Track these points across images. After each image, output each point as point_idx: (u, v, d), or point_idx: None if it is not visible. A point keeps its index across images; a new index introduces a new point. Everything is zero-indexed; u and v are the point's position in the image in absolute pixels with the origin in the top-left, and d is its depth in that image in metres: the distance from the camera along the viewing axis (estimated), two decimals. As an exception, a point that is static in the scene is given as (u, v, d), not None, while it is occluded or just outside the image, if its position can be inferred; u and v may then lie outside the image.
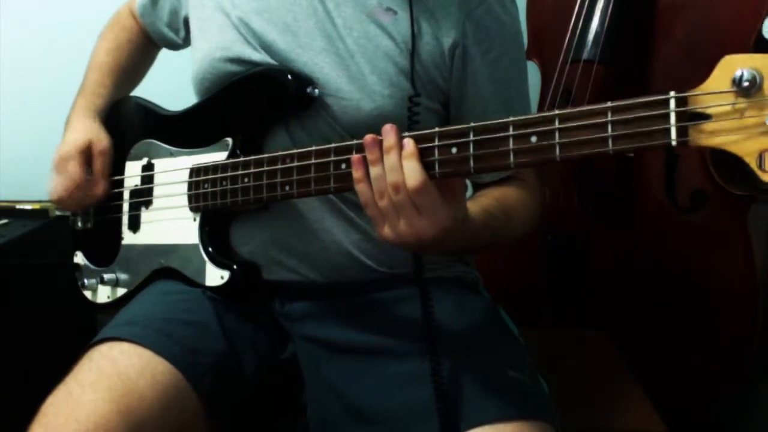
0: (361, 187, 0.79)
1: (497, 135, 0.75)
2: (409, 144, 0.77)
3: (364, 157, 0.79)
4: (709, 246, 1.39)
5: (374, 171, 0.78)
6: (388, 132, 0.77)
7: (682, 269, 1.41)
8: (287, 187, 0.91)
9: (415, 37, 0.96)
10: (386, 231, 0.79)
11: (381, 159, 0.78)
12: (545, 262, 1.57)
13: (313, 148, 0.88)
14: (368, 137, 0.78)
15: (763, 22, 1.31)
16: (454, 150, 0.77)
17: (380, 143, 0.78)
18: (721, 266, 1.37)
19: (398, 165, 0.77)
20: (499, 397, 0.89)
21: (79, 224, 1.22)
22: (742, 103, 0.63)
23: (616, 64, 1.48)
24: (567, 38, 1.51)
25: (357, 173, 0.79)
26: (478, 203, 0.92)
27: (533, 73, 1.52)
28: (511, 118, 0.74)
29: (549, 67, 1.56)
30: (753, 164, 0.63)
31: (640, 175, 1.46)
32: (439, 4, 0.97)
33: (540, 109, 1.54)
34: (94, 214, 1.22)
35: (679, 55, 1.43)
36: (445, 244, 0.79)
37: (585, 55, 1.49)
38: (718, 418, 1.43)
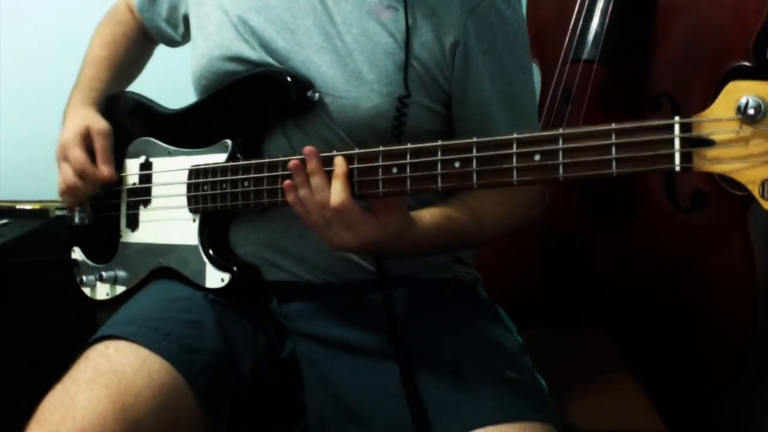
0: (296, 208, 0.87)
1: (500, 152, 0.74)
2: (339, 165, 0.84)
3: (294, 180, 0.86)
4: (709, 246, 1.39)
5: (301, 192, 0.86)
6: (310, 157, 0.84)
7: (682, 269, 1.41)
8: None
9: (409, 35, 0.95)
10: (322, 241, 0.87)
11: (307, 181, 0.85)
12: (545, 262, 1.57)
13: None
14: (292, 162, 0.85)
15: (763, 22, 1.31)
16: (457, 164, 0.78)
17: (305, 167, 0.85)
18: (721, 266, 1.37)
19: (323, 185, 0.84)
20: (499, 398, 0.88)
21: (77, 220, 1.20)
22: (746, 130, 0.62)
23: (616, 64, 1.47)
24: (567, 38, 1.51)
25: (289, 197, 0.87)
26: (440, 209, 0.93)
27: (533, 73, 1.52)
28: (515, 135, 0.74)
29: (549, 67, 1.56)
30: (756, 192, 0.63)
31: (640, 174, 1.46)
32: (440, 0, 0.96)
33: (540, 109, 1.54)
34: (92, 210, 1.20)
35: (679, 55, 1.43)
36: (391, 250, 0.87)
37: (585, 55, 1.48)
38: (719, 418, 1.43)
